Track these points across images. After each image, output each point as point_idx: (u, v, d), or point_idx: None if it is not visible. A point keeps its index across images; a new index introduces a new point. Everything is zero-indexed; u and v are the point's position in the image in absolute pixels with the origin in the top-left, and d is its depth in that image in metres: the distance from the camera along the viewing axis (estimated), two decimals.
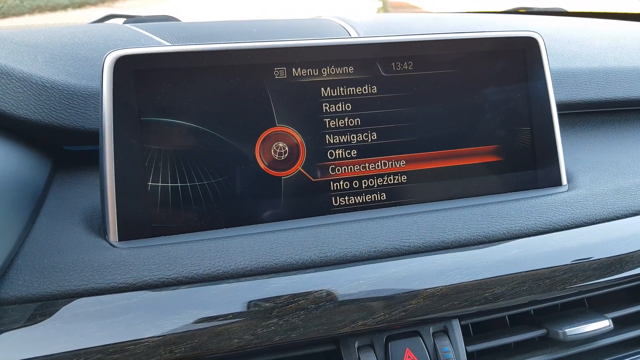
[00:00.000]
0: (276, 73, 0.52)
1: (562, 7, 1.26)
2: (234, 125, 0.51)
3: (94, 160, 0.55)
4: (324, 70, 0.53)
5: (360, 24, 0.81)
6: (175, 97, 0.49)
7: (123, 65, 0.48)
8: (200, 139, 0.50)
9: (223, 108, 0.50)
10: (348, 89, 0.53)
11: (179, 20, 1.00)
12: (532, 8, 1.25)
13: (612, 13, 1.21)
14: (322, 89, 0.53)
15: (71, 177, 0.55)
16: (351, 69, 0.53)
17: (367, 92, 0.54)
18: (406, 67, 0.55)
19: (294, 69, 0.52)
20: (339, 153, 0.53)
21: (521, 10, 1.25)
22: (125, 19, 1.01)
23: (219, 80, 0.50)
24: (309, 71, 0.52)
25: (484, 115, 0.57)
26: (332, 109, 0.53)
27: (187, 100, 0.50)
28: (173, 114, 0.49)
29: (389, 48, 0.54)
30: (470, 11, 1.28)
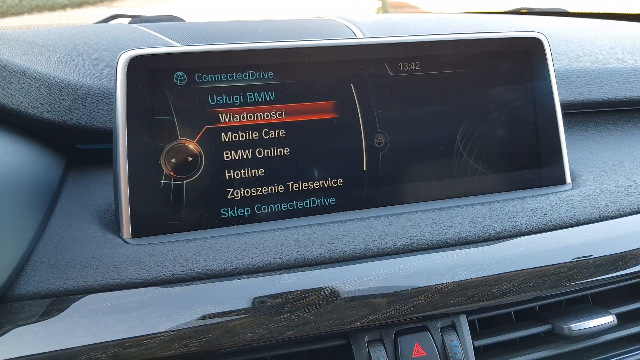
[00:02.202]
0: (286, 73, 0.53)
1: (563, 8, 1.27)
2: (244, 124, 0.52)
3: (106, 159, 0.56)
4: (333, 70, 0.54)
5: (366, 24, 0.82)
6: (188, 96, 0.50)
7: (136, 65, 0.49)
8: (212, 137, 0.51)
9: (235, 107, 0.51)
10: (358, 88, 0.54)
11: (184, 21, 1.01)
12: (534, 8, 1.26)
13: (613, 14, 1.22)
14: (332, 87, 0.54)
15: (84, 175, 0.56)
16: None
17: (376, 93, 0.55)
18: (413, 67, 0.56)
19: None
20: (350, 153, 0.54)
21: (523, 11, 1.26)
22: (130, 19, 1.02)
23: (230, 80, 0.51)
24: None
25: (489, 114, 0.58)
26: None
27: (199, 99, 0.51)
28: (185, 113, 0.50)
29: (397, 48, 0.55)
30: (472, 12, 1.29)
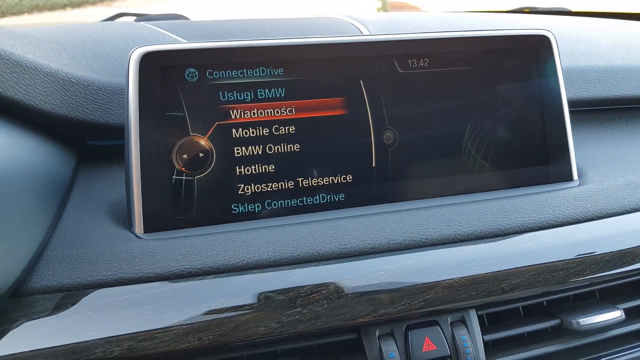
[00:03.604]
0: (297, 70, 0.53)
1: (565, 7, 1.27)
2: (255, 120, 0.52)
3: (117, 155, 0.56)
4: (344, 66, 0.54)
5: (372, 23, 0.82)
6: (199, 92, 0.51)
7: (149, 62, 0.49)
8: (223, 133, 0.51)
9: (246, 104, 0.52)
10: (370, 85, 0.55)
11: (188, 19, 1.01)
12: (537, 8, 1.26)
13: (615, 13, 1.22)
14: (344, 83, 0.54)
15: (95, 171, 0.56)
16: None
17: (387, 90, 0.55)
18: (422, 64, 0.56)
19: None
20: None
21: (525, 10, 1.27)
22: (135, 17, 1.02)
23: (241, 76, 0.52)
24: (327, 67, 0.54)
25: (497, 111, 0.58)
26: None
27: (210, 95, 0.51)
28: (197, 109, 0.51)
29: (406, 45, 0.56)
30: (476, 11, 1.29)
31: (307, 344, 0.49)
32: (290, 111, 0.53)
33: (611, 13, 1.22)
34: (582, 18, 1.10)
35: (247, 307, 0.46)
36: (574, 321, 0.54)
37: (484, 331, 0.53)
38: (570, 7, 1.28)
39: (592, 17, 1.13)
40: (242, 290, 0.46)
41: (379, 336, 0.50)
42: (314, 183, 0.54)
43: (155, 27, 0.74)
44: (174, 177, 0.50)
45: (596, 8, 1.27)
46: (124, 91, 0.55)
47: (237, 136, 0.52)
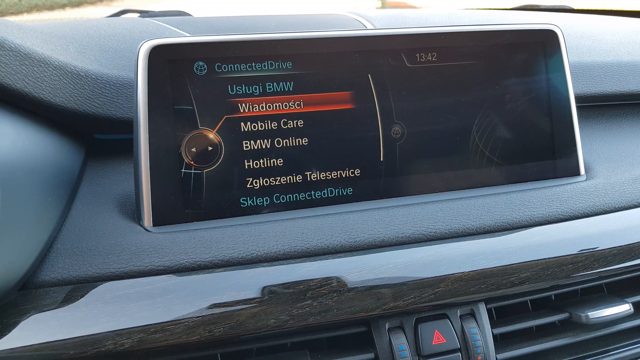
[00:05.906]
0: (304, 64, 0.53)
1: (568, 5, 1.27)
2: (263, 114, 0.52)
3: (124, 149, 0.56)
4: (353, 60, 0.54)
5: (377, 18, 0.82)
6: (208, 86, 0.51)
7: (157, 55, 0.49)
8: (231, 127, 0.51)
9: (254, 97, 0.52)
10: (378, 80, 0.55)
11: (191, 16, 1.01)
12: (539, 5, 1.26)
13: (617, 11, 1.23)
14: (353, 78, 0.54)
15: (103, 165, 0.56)
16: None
17: (395, 84, 0.55)
18: (430, 58, 0.56)
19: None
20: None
21: (528, 8, 1.27)
22: (139, 14, 1.02)
23: (250, 70, 0.52)
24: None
25: (505, 106, 0.58)
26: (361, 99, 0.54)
27: (218, 89, 0.51)
28: (205, 103, 0.51)
29: (414, 39, 0.56)
30: (480, 8, 1.29)
31: (317, 336, 0.49)
32: (299, 105, 0.53)
33: (613, 11, 1.22)
34: (585, 15, 1.10)
35: (257, 300, 0.45)
36: (582, 315, 0.54)
37: (493, 325, 0.53)
38: (573, 5, 1.28)
39: (595, 15, 1.13)
40: (252, 283, 0.46)
41: (388, 329, 0.50)
42: (322, 177, 0.54)
43: (160, 23, 0.74)
44: (183, 170, 0.50)
45: (597, 6, 1.27)
46: (131, 85, 0.55)
47: (246, 130, 0.52)
